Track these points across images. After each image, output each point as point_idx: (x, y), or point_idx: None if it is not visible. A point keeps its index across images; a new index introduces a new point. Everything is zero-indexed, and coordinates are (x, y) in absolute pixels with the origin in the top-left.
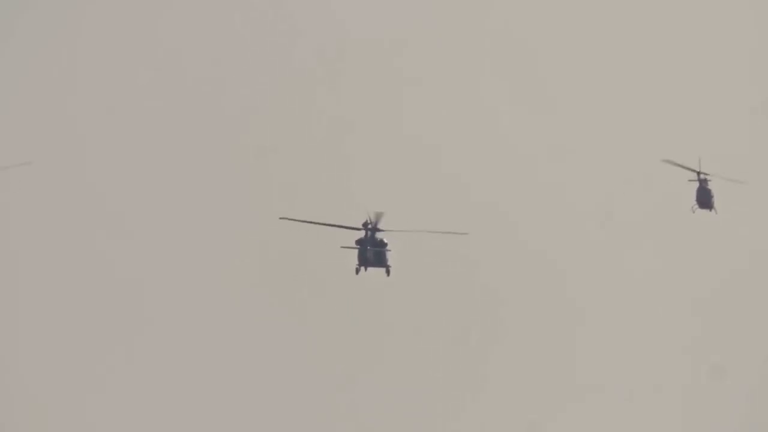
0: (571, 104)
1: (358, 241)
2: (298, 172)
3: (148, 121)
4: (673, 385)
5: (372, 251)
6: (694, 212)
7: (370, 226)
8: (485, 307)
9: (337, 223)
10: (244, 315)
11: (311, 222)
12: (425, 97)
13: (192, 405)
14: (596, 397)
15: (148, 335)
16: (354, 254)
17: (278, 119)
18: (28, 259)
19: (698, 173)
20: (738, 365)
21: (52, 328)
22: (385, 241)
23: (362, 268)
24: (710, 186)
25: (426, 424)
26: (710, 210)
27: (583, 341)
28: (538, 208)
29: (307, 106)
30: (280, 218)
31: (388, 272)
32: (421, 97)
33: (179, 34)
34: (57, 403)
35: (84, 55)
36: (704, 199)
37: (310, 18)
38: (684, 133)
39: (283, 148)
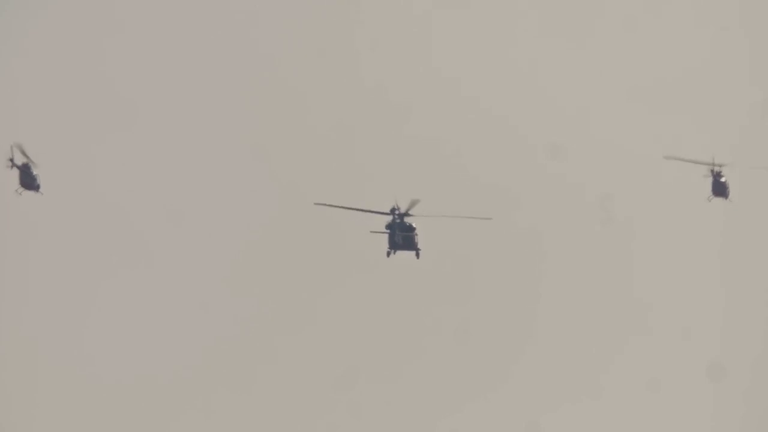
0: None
1: (388, 226)
2: (325, 160)
3: (183, 111)
4: (678, 383)
5: (401, 236)
6: (710, 201)
7: (397, 212)
8: (503, 294)
9: (367, 209)
10: (281, 295)
11: (343, 207)
12: (440, 89)
13: (241, 379)
14: (602, 393)
15: (189, 316)
16: (384, 238)
17: (300, 110)
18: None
19: (711, 168)
20: (738, 365)
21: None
22: (414, 225)
23: (392, 252)
24: (724, 178)
25: (452, 399)
26: (725, 198)
27: (589, 339)
28: (548, 203)
29: (323, 100)
30: (315, 203)
31: (417, 255)
32: (436, 89)
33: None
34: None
35: (89, 55)
36: (719, 190)
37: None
38: (695, 126)
39: (309, 137)
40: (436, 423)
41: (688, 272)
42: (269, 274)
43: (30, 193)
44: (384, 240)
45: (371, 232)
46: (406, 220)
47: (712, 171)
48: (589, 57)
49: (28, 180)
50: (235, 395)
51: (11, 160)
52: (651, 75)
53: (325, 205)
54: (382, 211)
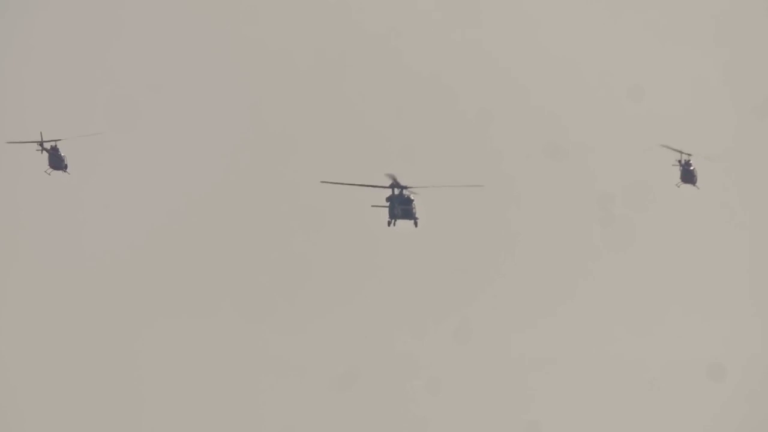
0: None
1: (388, 198)
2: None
3: (197, 100)
4: (678, 383)
5: (400, 208)
6: (678, 187)
7: (396, 186)
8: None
9: (369, 184)
10: (295, 262)
11: (348, 184)
12: (440, 88)
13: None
14: (602, 394)
15: (202, 297)
16: (384, 211)
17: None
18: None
19: (679, 159)
20: (738, 365)
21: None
22: (412, 197)
23: (392, 222)
24: (692, 167)
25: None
26: (693, 185)
27: (589, 339)
28: (548, 203)
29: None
30: (322, 182)
31: (416, 224)
32: (435, 87)
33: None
34: None
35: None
36: (688, 177)
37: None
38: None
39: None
40: (436, 408)
41: (689, 272)
42: (277, 246)
43: (58, 173)
44: (384, 212)
45: (372, 206)
46: (405, 192)
47: (680, 161)
48: (588, 57)
49: (57, 161)
50: (241, 377)
51: (41, 143)
52: (651, 74)
53: (331, 183)
54: (382, 185)
